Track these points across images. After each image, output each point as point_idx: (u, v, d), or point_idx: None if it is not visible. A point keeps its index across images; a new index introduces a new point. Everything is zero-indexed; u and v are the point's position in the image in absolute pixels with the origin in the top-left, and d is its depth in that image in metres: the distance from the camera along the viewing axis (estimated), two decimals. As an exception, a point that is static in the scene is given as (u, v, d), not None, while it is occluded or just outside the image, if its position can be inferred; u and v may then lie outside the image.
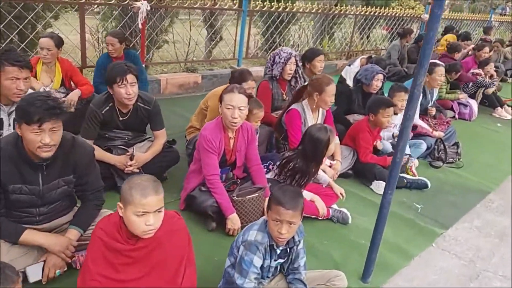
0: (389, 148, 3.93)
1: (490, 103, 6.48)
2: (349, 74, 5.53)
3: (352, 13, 8.30)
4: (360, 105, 4.45)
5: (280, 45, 7.44)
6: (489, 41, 8.38)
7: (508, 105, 6.61)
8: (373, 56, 5.49)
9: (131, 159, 3.01)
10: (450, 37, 7.55)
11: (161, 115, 3.17)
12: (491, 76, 6.46)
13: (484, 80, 6.36)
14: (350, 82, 5.41)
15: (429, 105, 4.62)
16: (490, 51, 7.16)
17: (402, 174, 3.75)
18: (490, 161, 4.57)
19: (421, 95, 4.41)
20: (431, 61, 4.84)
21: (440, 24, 11.66)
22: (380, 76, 4.24)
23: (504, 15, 17.94)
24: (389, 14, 8.96)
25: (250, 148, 2.96)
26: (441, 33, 9.36)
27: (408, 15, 9.70)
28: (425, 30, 10.19)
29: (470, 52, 7.65)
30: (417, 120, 4.43)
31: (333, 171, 3.46)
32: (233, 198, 2.73)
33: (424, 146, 4.17)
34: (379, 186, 3.55)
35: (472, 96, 6.41)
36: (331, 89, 3.41)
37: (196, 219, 2.84)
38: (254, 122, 3.18)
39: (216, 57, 6.85)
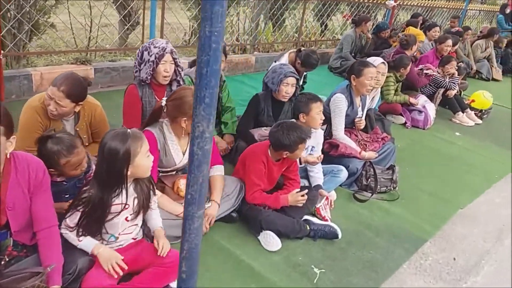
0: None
1: (450, 106, 5.49)
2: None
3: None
4: (270, 116, 3.41)
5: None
6: (453, 32, 7.38)
7: (472, 109, 5.64)
8: (302, 49, 4.43)
9: None
10: (412, 30, 6.42)
11: None
12: (451, 75, 5.46)
13: (443, 80, 5.36)
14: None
15: (358, 116, 3.58)
16: (454, 44, 6.16)
17: (307, 217, 2.74)
18: (437, 188, 3.58)
19: (346, 104, 3.40)
20: (360, 60, 3.82)
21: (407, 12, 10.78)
22: (291, 80, 3.18)
23: (484, 3, 17.01)
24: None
25: (37, 198, 1.87)
26: (405, 22, 8.32)
27: (373, 1, 8.62)
28: (390, 18, 9.20)
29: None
30: (340, 137, 3.41)
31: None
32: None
33: (343, 175, 3.15)
34: (268, 239, 2.52)
35: (430, 98, 5.41)
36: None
37: None
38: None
39: (132, 45, 5.71)
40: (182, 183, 2.48)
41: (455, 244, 2.86)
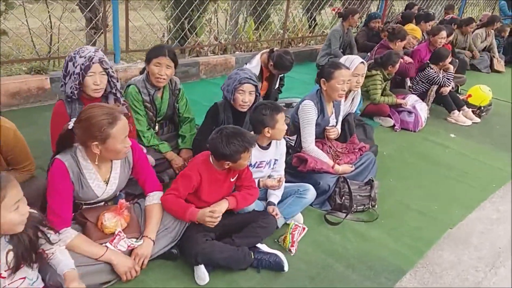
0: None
1: (445, 104, 5.02)
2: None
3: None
4: (230, 127, 2.99)
5: (189, 32, 5.91)
6: (447, 21, 6.89)
7: (469, 106, 5.16)
8: (275, 49, 4.00)
9: None
10: (411, 27, 5.76)
11: None
12: (446, 69, 5.00)
13: (436, 76, 4.90)
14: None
15: (330, 124, 3.14)
16: (449, 35, 5.68)
17: (259, 244, 2.34)
18: (424, 204, 3.14)
19: (316, 112, 2.97)
20: (333, 60, 3.38)
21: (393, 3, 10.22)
22: (247, 87, 2.76)
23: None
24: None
25: None
26: (400, 13, 7.84)
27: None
28: (384, 9, 8.71)
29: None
30: (310, 149, 2.98)
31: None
32: None
33: (310, 195, 2.72)
34: (198, 274, 2.12)
35: (423, 96, 4.96)
36: (119, 131, 1.94)
37: None
38: None
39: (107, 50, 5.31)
40: (107, 218, 2.08)
41: (440, 276, 2.43)
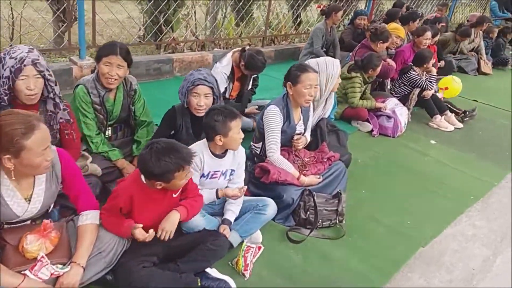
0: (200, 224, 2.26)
1: (427, 108, 4.82)
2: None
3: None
4: (190, 133, 2.76)
5: (163, 26, 5.63)
6: (433, 22, 6.69)
7: (453, 111, 4.97)
8: (247, 48, 3.76)
9: None
10: (393, 26, 5.49)
11: None
12: (429, 72, 4.80)
13: (419, 79, 4.69)
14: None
15: (296, 132, 2.90)
16: (434, 36, 5.47)
17: (208, 269, 2.12)
18: (397, 218, 2.94)
19: (281, 118, 2.74)
20: (298, 63, 3.14)
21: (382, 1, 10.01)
22: (202, 89, 2.53)
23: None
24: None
25: None
26: (385, 12, 7.62)
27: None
28: (371, 7, 8.48)
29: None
30: (274, 159, 2.75)
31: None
32: None
33: (270, 211, 2.48)
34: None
35: (405, 99, 4.75)
36: (36, 142, 1.69)
37: None
38: None
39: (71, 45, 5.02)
40: (29, 241, 1.83)
41: (406, 304, 2.23)
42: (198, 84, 2.49)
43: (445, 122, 4.69)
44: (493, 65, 8.13)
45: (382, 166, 3.67)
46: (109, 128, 2.85)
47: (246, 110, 3.97)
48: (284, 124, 2.79)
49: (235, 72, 3.87)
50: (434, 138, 4.41)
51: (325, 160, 2.90)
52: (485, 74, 7.56)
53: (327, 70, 3.19)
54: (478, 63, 7.55)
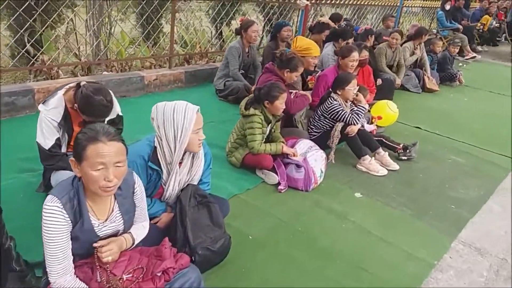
0: None
1: (353, 148, 3.79)
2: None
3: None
4: None
5: (32, 47, 4.42)
6: (364, 36, 5.80)
7: (391, 147, 4.02)
8: (83, 83, 2.63)
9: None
10: (300, 41, 4.33)
11: None
12: (356, 101, 3.84)
13: (341, 110, 3.71)
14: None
15: (103, 234, 1.79)
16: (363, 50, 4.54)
17: None
18: None
19: (66, 221, 1.58)
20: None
21: (322, 12, 9.17)
22: None
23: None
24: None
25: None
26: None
27: (280, 0, 6.93)
28: (304, 21, 7.55)
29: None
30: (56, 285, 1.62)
31: None
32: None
33: None
34: None
35: (326, 136, 3.76)
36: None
37: None
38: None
39: None
40: None
41: None
42: None
43: (376, 165, 3.71)
44: (440, 80, 7.38)
45: (281, 244, 2.60)
46: None
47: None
48: (75, 226, 1.66)
49: (72, 117, 2.73)
50: (360, 189, 3.40)
51: (159, 274, 1.79)
52: (431, 91, 6.77)
53: (174, 120, 2.12)
54: (423, 79, 6.75)
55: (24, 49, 4.38)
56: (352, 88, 3.72)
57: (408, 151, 4.02)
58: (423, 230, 2.94)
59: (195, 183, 2.42)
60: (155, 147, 2.22)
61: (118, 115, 3.01)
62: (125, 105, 3.21)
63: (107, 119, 2.91)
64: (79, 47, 4.83)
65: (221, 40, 6.88)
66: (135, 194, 1.84)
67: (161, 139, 2.18)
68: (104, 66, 5.08)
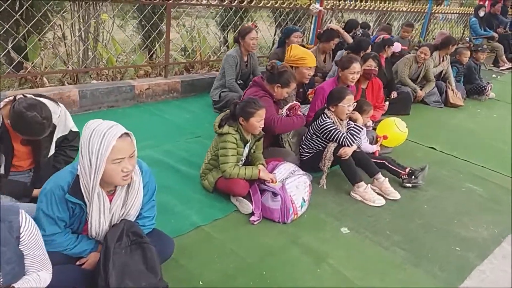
0: None
1: (347, 173, 3.31)
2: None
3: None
4: None
5: (19, 54, 4.22)
6: (380, 46, 5.27)
7: (394, 171, 3.53)
8: (18, 97, 2.33)
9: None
10: (295, 49, 3.77)
11: None
12: (349, 120, 3.38)
13: (334, 129, 3.26)
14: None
15: None
16: (365, 62, 4.06)
17: None
18: None
19: None
20: None
21: (340, 18, 8.66)
22: None
23: (462, 5, 14.89)
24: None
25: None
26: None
27: (294, 6, 6.53)
28: (316, 27, 7.10)
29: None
30: None
31: None
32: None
33: None
34: None
35: (318, 156, 3.32)
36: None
37: None
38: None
39: None
40: None
41: None
42: None
43: (372, 194, 3.22)
44: (468, 94, 6.74)
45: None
46: None
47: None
48: None
49: (10, 133, 2.43)
50: (349, 222, 2.93)
51: None
52: (455, 106, 6.15)
53: (90, 144, 1.77)
54: (446, 92, 6.15)
55: (1, 55, 4.18)
56: (346, 105, 3.26)
57: (414, 177, 3.51)
58: (416, 279, 2.45)
59: (132, 218, 2.06)
60: (78, 176, 1.87)
61: (71, 131, 2.71)
62: (112, 116, 2.89)
63: (59, 135, 2.63)
64: (67, 54, 4.61)
65: (226, 47, 6.55)
66: (21, 240, 1.49)
67: (80, 165, 1.83)
68: (95, 74, 4.84)
